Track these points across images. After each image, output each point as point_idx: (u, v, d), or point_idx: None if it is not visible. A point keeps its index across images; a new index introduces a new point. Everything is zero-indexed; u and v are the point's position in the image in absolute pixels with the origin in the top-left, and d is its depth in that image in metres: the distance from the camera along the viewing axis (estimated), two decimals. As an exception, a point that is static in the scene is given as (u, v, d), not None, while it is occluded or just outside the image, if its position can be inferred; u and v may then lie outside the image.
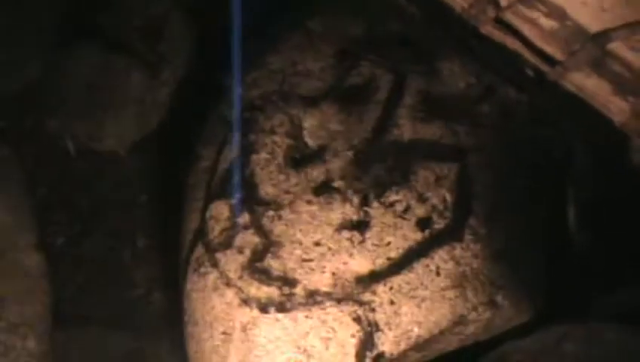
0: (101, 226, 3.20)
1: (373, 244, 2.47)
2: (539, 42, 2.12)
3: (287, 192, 2.58)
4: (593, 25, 2.03)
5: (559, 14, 2.05)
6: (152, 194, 3.21)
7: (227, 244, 2.64)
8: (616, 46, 2.04)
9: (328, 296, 2.47)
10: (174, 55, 3.12)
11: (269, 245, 2.57)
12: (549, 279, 2.56)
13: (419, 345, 2.44)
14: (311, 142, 2.61)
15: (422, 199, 2.47)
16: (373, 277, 2.47)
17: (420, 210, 2.47)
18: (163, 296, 3.10)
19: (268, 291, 2.54)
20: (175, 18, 3.17)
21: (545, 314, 2.55)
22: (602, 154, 2.51)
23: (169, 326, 2.96)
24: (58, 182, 3.17)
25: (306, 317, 2.49)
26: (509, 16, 2.10)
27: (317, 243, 2.51)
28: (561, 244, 2.59)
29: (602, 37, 2.01)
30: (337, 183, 2.54)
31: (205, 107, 2.96)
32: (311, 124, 2.63)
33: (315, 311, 2.48)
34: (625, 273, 2.59)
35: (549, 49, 2.12)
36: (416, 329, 2.43)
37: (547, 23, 2.06)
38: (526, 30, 2.12)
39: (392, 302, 2.43)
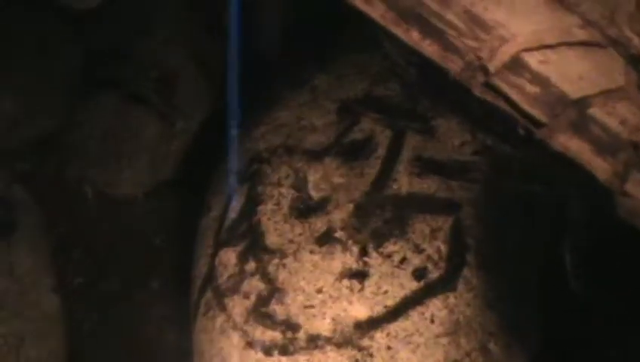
0: (117, 268, 3.30)
1: (372, 292, 2.58)
2: (525, 106, 2.23)
3: (292, 241, 2.71)
4: (573, 92, 2.15)
5: (542, 82, 2.17)
6: (166, 238, 3.32)
7: (234, 290, 2.77)
8: (594, 111, 2.16)
9: (329, 340, 2.59)
10: (188, 106, 3.24)
11: (273, 291, 2.69)
12: (545, 326, 2.66)
13: (414, 389, 2.53)
14: (314, 194, 2.74)
15: (418, 250, 2.59)
16: (371, 324, 2.58)
17: (416, 261, 2.58)
18: (175, 336, 3.20)
19: (272, 335, 2.66)
20: (190, 70, 3.29)
21: (543, 358, 2.63)
22: (595, 206, 2.61)
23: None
24: (76, 225, 3.28)
25: (308, 360, 2.61)
26: (497, 82, 2.22)
27: (319, 291, 2.63)
28: (558, 292, 2.69)
29: (582, 102, 2.13)
30: (339, 234, 2.65)
31: (216, 158, 3.08)
32: (315, 177, 2.76)
33: (316, 355, 2.60)
34: (623, 319, 2.68)
35: (535, 112, 2.24)
36: (412, 374, 2.51)
37: (532, 89, 2.19)
38: (513, 94, 2.23)
39: (388, 348, 2.55)
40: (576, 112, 2.19)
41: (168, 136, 3.23)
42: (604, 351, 2.70)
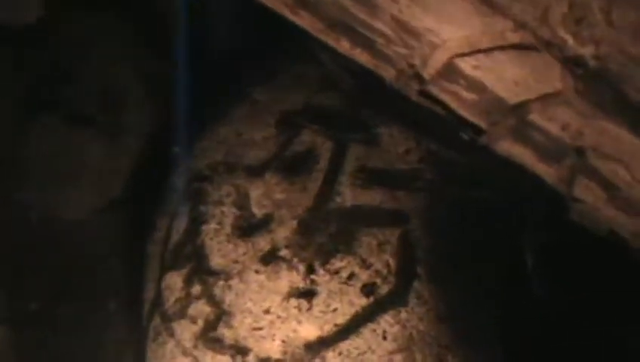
0: (70, 292, 3.22)
1: (320, 311, 2.51)
2: (463, 113, 2.15)
3: (236, 262, 2.63)
4: (511, 97, 2.06)
5: (478, 88, 2.08)
6: (119, 259, 3.24)
7: (181, 314, 2.69)
8: (534, 117, 2.07)
9: (280, 363, 2.50)
10: (135, 125, 3.15)
11: (220, 314, 2.61)
12: (503, 335, 2.58)
13: (370, 409, 2.46)
14: (257, 211, 2.66)
15: (366, 265, 2.51)
16: (322, 344, 2.51)
17: (364, 276, 2.51)
18: (133, 359, 3.11)
19: (222, 360, 2.59)
20: (137, 88, 3.20)
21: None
22: (548, 209, 2.53)
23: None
24: (25, 249, 3.19)
25: (260, 385, 2.51)
26: (433, 89, 2.14)
27: (266, 312, 2.56)
28: (518, 297, 2.61)
29: (521, 108, 2.04)
30: (283, 252, 2.58)
31: (164, 176, 2.99)
32: (256, 193, 2.68)
33: (268, 380, 2.51)
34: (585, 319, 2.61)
35: (473, 119, 2.15)
36: (366, 394, 2.44)
37: (468, 95, 2.10)
38: (450, 102, 2.15)
39: (341, 368, 2.46)
40: (515, 119, 2.11)
41: (115, 155, 3.12)
42: (565, 357, 2.60)
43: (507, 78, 2.07)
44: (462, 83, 2.12)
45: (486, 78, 2.09)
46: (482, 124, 2.17)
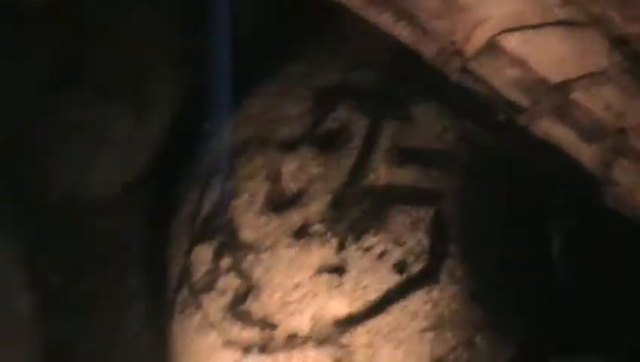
0: (93, 267, 3.21)
1: (351, 287, 2.49)
2: (504, 90, 2.14)
3: (268, 236, 2.61)
4: (555, 75, 2.04)
5: (521, 65, 2.07)
6: (141, 235, 3.23)
7: (210, 287, 2.68)
8: (577, 95, 2.05)
9: (308, 338, 2.50)
10: (160, 100, 3.13)
11: (250, 288, 2.60)
12: (532, 316, 2.56)
13: (398, 387, 2.44)
14: (290, 186, 2.64)
15: (398, 242, 2.49)
16: (352, 320, 2.49)
17: (396, 254, 2.49)
18: (151, 337, 3.10)
19: (250, 333, 2.58)
20: (162, 64, 3.18)
21: (527, 355, 2.54)
22: (579, 193, 2.52)
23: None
24: (50, 223, 3.18)
25: (286, 359, 2.53)
26: (475, 66, 2.13)
27: (296, 286, 2.54)
28: (544, 282, 2.59)
29: (564, 86, 2.03)
30: (316, 227, 2.56)
31: (190, 152, 2.97)
32: (290, 168, 2.66)
33: (295, 354, 2.51)
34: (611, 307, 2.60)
35: (515, 97, 2.14)
36: (395, 371, 2.42)
37: (511, 73, 2.09)
38: (491, 79, 2.14)
39: (370, 345, 2.46)
40: (558, 97, 2.09)
41: (140, 130, 3.11)
42: (590, 343, 2.59)
43: (552, 55, 2.06)
44: (505, 60, 2.11)
45: (530, 55, 2.08)
46: (523, 102, 2.16)
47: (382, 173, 2.57)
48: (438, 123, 2.63)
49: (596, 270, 2.63)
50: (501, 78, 2.12)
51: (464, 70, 2.16)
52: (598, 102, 2.07)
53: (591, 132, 2.13)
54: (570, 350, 2.59)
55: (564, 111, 2.10)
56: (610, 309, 2.62)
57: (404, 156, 2.57)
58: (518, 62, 2.07)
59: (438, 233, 2.50)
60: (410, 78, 2.64)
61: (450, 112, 2.60)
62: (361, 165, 2.58)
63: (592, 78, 2.03)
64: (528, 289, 2.58)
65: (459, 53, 2.12)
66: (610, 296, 2.62)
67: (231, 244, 2.66)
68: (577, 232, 2.63)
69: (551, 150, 2.33)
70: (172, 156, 3.09)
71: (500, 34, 2.07)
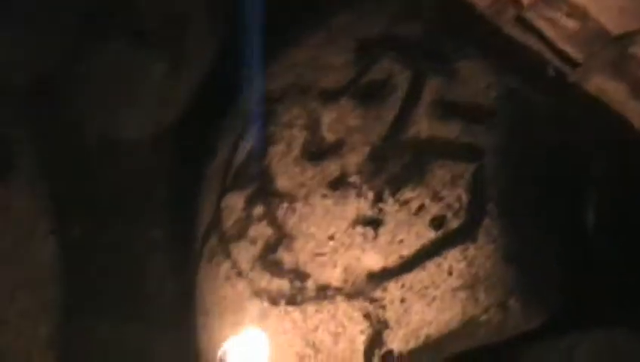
0: (117, 217, 3.18)
1: (386, 241, 2.46)
2: (560, 43, 2.10)
3: (303, 185, 2.58)
4: (615, 27, 2.00)
5: (581, 15, 2.03)
6: (168, 186, 3.20)
7: (241, 235, 2.65)
8: (637, 49, 2.01)
9: (339, 291, 2.47)
10: (197, 50, 3.11)
11: (282, 237, 2.57)
12: (564, 285, 2.53)
13: (428, 345, 2.42)
14: (328, 136, 2.61)
15: (437, 198, 2.46)
16: (385, 274, 2.45)
17: (434, 209, 2.45)
18: (176, 287, 3.07)
19: (279, 284, 2.54)
20: (199, 11, 3.15)
21: (559, 320, 2.50)
22: (622, 159, 2.48)
23: (180, 318, 2.93)
24: (76, 171, 3.15)
25: (316, 311, 2.49)
26: (530, 16, 2.09)
27: (330, 238, 2.51)
28: (578, 250, 2.56)
29: (624, 39, 1.99)
30: (353, 178, 2.53)
31: (224, 101, 2.94)
32: (329, 118, 2.63)
33: (326, 306, 2.48)
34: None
35: (570, 50, 2.10)
36: (425, 329, 2.41)
37: (569, 23, 2.05)
38: (547, 30, 2.10)
39: (402, 300, 2.42)
40: (616, 50, 2.05)
41: (175, 78, 3.07)
42: (621, 314, 2.55)
43: (613, 5, 2.01)
44: (563, 9, 2.08)
45: (590, 5, 2.04)
46: (578, 56, 2.12)
47: (423, 127, 2.53)
48: (483, 78, 2.58)
49: (631, 240, 2.58)
50: (558, 29, 2.08)
51: (518, 20, 2.12)
52: (657, 56, 2.03)
53: (645, 89, 2.08)
54: (600, 319, 2.55)
55: (620, 65, 2.07)
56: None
57: (447, 110, 2.54)
58: (578, 12, 2.03)
59: (478, 190, 2.46)
60: (457, 31, 2.60)
61: (496, 68, 2.56)
62: (403, 118, 2.55)
63: (653, 31, 1.99)
64: (564, 255, 2.53)
65: (515, 1, 2.07)
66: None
67: (264, 193, 2.63)
68: (614, 201, 2.58)
69: (599, 110, 2.29)
70: (207, 105, 3.04)
71: (560, -19, 2.02)
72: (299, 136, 2.64)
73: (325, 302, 2.47)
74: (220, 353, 2.47)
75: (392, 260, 2.45)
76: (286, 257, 2.54)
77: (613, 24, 2.01)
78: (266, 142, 2.68)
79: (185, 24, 3.15)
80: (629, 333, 2.45)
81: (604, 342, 2.44)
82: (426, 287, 2.42)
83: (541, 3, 2.06)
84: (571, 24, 2.06)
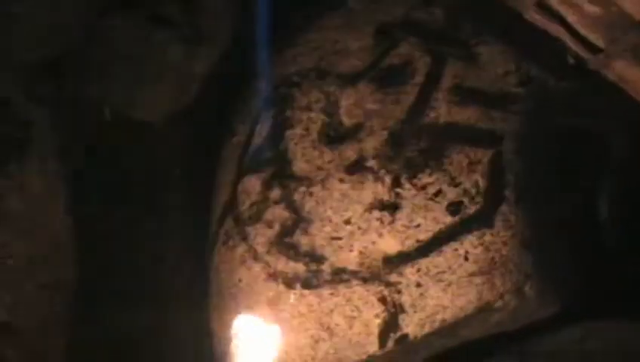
0: (132, 196, 3.18)
1: (403, 225, 2.45)
2: (582, 28, 2.09)
3: (320, 169, 2.58)
4: (638, 12, 1.99)
5: (604, 0, 2.01)
6: (185, 167, 3.20)
7: (257, 218, 2.65)
8: (660, 35, 2.00)
9: (355, 274, 2.47)
10: (213, 30, 3.09)
11: (298, 221, 2.57)
12: (579, 273, 2.52)
13: (443, 330, 2.42)
14: (346, 120, 2.60)
15: (454, 183, 2.46)
16: (401, 259, 2.46)
17: (451, 194, 2.45)
18: (191, 268, 3.07)
19: (295, 267, 2.54)
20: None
21: (574, 309, 2.50)
22: (638, 149, 2.48)
23: (195, 299, 2.94)
24: (91, 151, 3.15)
25: (332, 294, 2.49)
26: (553, 1, 2.07)
27: (347, 222, 2.51)
28: (594, 238, 2.55)
29: (647, 25, 1.97)
30: (370, 163, 2.52)
31: (242, 83, 2.93)
32: (347, 102, 2.62)
33: (341, 289, 2.48)
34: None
35: (592, 36, 2.09)
36: (441, 313, 2.41)
37: (591, 8, 2.03)
38: (569, 16, 2.09)
39: (418, 285, 2.42)
40: (638, 36, 2.03)
41: (192, 58, 3.07)
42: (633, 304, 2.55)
43: (637, -9, 2.00)
44: (586, -6, 2.06)
45: (614, -10, 2.02)
46: (600, 41, 2.10)
47: (442, 112, 2.53)
48: (502, 64, 2.58)
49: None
50: (580, 14, 2.07)
51: (540, 6, 2.11)
52: (681, 43, 2.02)
53: (668, 76, 2.07)
54: (612, 309, 2.55)
55: (642, 51, 2.04)
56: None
57: (465, 96, 2.53)
58: (601, -3, 2.01)
59: (496, 176, 2.46)
60: (476, 17, 2.58)
61: (516, 54, 2.55)
62: (421, 103, 2.54)
63: (677, 16, 1.97)
64: (579, 243, 2.52)
65: (537, -14, 2.06)
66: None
67: (282, 176, 2.63)
68: (629, 196, 2.57)
69: (619, 97, 2.28)
70: (224, 87, 3.04)
71: (584, -34, 2.01)
72: (317, 120, 2.64)
73: (341, 286, 2.47)
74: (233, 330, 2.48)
75: (408, 245, 2.45)
76: (302, 240, 2.54)
77: (637, 9, 1.99)
78: (284, 125, 2.66)
79: (200, 4, 3.13)
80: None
81: (614, 333, 2.43)
82: (442, 272, 2.42)
83: (564, -12, 2.04)
84: (594, 9, 2.04)
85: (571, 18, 2.10)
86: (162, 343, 2.98)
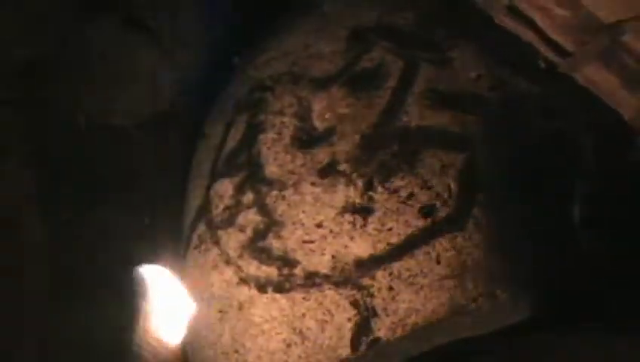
0: (106, 202, 3.17)
1: (375, 229, 2.45)
2: (551, 32, 2.10)
3: (292, 173, 2.57)
4: (607, 15, 2.00)
5: (573, 4, 2.03)
6: (160, 172, 3.19)
7: (229, 222, 2.64)
8: (628, 38, 2.01)
9: (327, 278, 2.46)
10: (188, 35, 3.09)
11: (271, 225, 2.56)
12: (552, 277, 2.53)
13: (415, 333, 2.41)
14: (319, 124, 2.60)
15: (426, 186, 2.45)
16: (373, 262, 2.45)
17: (423, 197, 2.45)
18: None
19: (267, 271, 2.53)
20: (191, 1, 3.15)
21: (548, 313, 2.51)
22: (609, 151, 2.48)
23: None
24: (67, 154, 3.14)
25: (304, 298, 2.48)
26: (523, 5, 2.09)
27: (319, 225, 2.50)
28: (567, 242, 2.56)
29: (615, 28, 1.99)
30: (343, 166, 2.52)
31: (216, 87, 2.93)
32: (320, 106, 2.62)
33: (313, 293, 2.47)
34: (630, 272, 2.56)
35: (561, 39, 2.10)
36: (413, 317, 2.41)
37: (560, 12, 2.05)
38: (539, 19, 2.10)
39: (390, 288, 2.42)
40: (607, 39, 2.05)
41: (167, 63, 3.06)
42: (608, 306, 2.56)
43: (605, -7, 2.02)
44: (555, -2, 2.07)
45: (582, -7, 2.03)
46: (569, 45, 2.12)
47: (414, 116, 2.53)
48: (474, 69, 2.58)
49: (617, 236, 2.58)
50: (549, 18, 2.08)
51: (511, 10, 2.12)
52: (649, 46, 2.03)
53: (635, 78, 2.08)
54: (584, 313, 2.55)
55: (611, 55, 2.07)
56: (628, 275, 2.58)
57: (437, 100, 2.53)
58: (570, 0, 2.03)
59: (467, 180, 2.46)
60: (449, 22, 2.59)
61: (487, 59, 2.56)
62: (393, 107, 2.54)
63: (645, 20, 1.99)
64: (552, 246, 2.53)
65: (509, -11, 2.07)
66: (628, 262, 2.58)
67: (254, 180, 2.63)
68: (601, 198, 2.58)
69: (589, 102, 2.29)
70: (200, 92, 3.04)
71: (552, -30, 2.02)
72: (289, 124, 2.63)
73: (313, 290, 2.47)
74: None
75: (380, 248, 2.45)
76: (274, 244, 2.53)
77: (605, 13, 2.01)
78: (257, 129, 2.66)
79: (177, 8, 3.14)
80: (611, 330, 2.45)
81: (589, 339, 2.44)
82: (414, 275, 2.41)
83: (534, -9, 2.05)
84: (563, 13, 2.06)
85: (541, 22, 2.11)
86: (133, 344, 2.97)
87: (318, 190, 2.52)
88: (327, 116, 2.60)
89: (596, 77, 2.10)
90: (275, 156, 2.61)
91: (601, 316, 2.54)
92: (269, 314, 2.51)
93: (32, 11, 2.94)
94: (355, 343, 2.42)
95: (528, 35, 2.16)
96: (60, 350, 2.88)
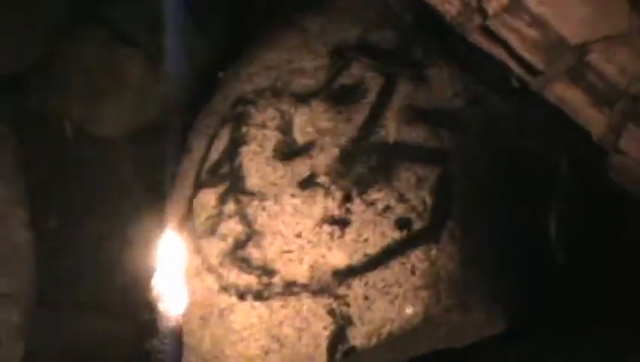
0: (93, 211, 3.22)
1: (352, 240, 2.51)
2: (522, 51, 2.18)
3: (273, 184, 2.64)
4: (573, 37, 2.08)
5: (542, 25, 2.11)
6: (145, 182, 3.24)
7: (211, 231, 2.70)
8: (593, 58, 2.09)
9: (305, 287, 2.52)
10: (174, 49, 3.15)
11: (251, 234, 2.62)
12: (528, 291, 2.59)
13: (390, 342, 2.47)
14: (299, 137, 2.67)
15: (402, 199, 2.52)
16: (350, 272, 2.51)
17: (399, 210, 2.51)
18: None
19: (247, 279, 2.60)
20: (179, 17, 3.20)
21: (524, 327, 2.56)
22: (584, 169, 2.55)
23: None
24: (54, 163, 3.19)
25: (282, 306, 2.54)
26: (495, 25, 2.17)
27: (298, 236, 2.56)
28: (541, 256, 2.62)
29: (581, 49, 2.07)
30: (322, 179, 2.58)
31: (200, 100, 3.00)
32: (301, 120, 2.69)
33: (291, 302, 2.53)
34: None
35: (531, 58, 2.18)
36: (388, 326, 2.46)
37: (530, 32, 2.13)
38: (510, 39, 2.18)
39: (366, 298, 2.48)
40: (574, 58, 2.13)
41: (154, 76, 3.12)
42: (582, 321, 2.62)
43: (572, 16, 2.10)
44: (525, 19, 2.15)
45: (551, 15, 2.12)
46: (540, 63, 2.20)
47: (391, 131, 2.60)
48: (450, 86, 2.66)
49: (590, 248, 2.65)
50: (520, 38, 2.16)
51: (483, 29, 2.20)
52: (613, 65, 2.11)
53: (603, 96, 2.16)
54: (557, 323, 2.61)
55: (578, 73, 2.14)
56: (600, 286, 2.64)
57: (415, 115, 2.60)
58: (539, 21, 2.11)
59: (442, 193, 2.53)
60: (427, 40, 2.66)
61: (463, 76, 2.63)
62: (372, 122, 2.61)
63: (609, 40, 2.07)
64: (525, 258, 2.60)
65: (481, 10, 2.15)
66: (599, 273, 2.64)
67: (236, 191, 2.68)
68: (575, 212, 2.65)
69: (559, 119, 2.36)
70: (185, 105, 3.10)
71: (523, -8, 2.10)
72: (271, 137, 2.69)
73: (291, 298, 2.53)
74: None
75: (356, 258, 2.51)
76: (255, 254, 2.59)
77: (572, 34, 2.08)
78: (239, 142, 2.73)
79: (163, 24, 3.19)
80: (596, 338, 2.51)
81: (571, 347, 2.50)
82: (390, 286, 2.48)
83: (505, 13, 2.13)
84: (533, 33, 2.13)
85: (513, 42, 2.18)
86: (122, 351, 3.02)
87: (297, 201, 2.59)
88: (307, 130, 2.66)
89: (565, 95, 2.18)
90: (257, 168, 2.67)
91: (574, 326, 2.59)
92: (248, 321, 2.56)
93: (21, 24, 2.98)
94: (330, 351, 2.48)
95: (501, 54, 2.24)
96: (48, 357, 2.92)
